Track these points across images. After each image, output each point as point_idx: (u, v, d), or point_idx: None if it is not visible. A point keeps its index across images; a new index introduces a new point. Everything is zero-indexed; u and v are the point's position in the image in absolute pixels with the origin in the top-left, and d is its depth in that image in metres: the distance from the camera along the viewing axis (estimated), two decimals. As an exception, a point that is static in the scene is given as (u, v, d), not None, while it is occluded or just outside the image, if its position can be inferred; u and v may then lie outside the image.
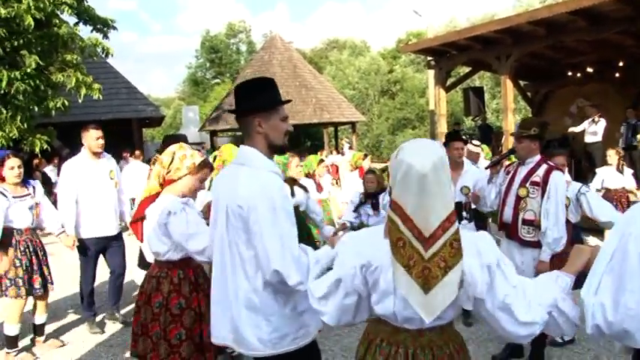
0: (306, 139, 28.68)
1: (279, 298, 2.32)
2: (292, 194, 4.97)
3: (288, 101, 2.59)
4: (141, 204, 3.45)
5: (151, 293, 3.10)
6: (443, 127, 13.34)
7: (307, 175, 6.36)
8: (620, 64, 13.14)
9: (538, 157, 4.06)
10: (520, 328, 1.75)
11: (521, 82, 15.78)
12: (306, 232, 5.13)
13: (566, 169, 5.23)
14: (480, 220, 5.73)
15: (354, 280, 1.88)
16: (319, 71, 28.78)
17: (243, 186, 2.28)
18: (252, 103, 2.38)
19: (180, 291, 3.08)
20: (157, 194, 3.28)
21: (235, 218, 2.30)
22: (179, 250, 3.04)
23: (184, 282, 3.11)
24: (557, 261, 3.66)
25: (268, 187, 2.26)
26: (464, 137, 5.59)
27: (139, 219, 3.51)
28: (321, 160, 7.33)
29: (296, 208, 3.77)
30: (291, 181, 5.15)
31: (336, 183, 11.22)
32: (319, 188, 6.84)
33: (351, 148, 18.84)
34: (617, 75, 13.62)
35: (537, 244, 3.95)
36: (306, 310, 2.32)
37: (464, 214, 4.67)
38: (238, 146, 2.58)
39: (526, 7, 27.30)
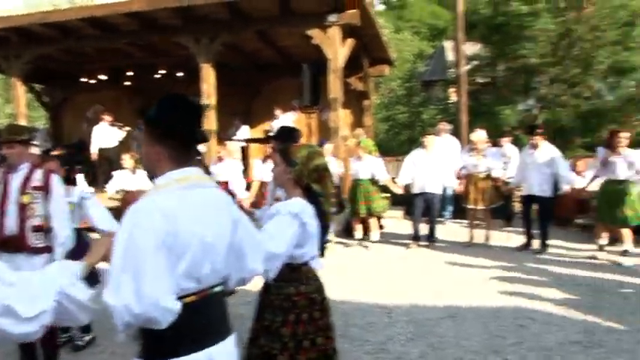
0: None
1: None
2: None
3: None
4: None
5: None
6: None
7: None
8: (131, 73, 14.21)
9: (29, 163, 3.97)
10: (27, 326, 1.65)
11: (37, 86, 15.26)
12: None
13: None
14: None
15: None
16: None
17: None
18: None
19: None
20: None
21: None
22: None
23: None
24: None
25: None
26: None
27: None
28: None
29: None
30: None
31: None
32: None
33: None
34: (127, 83, 14.65)
35: (48, 249, 3.93)
36: None
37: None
38: None
39: (37, 7, 26.30)
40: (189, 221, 1.77)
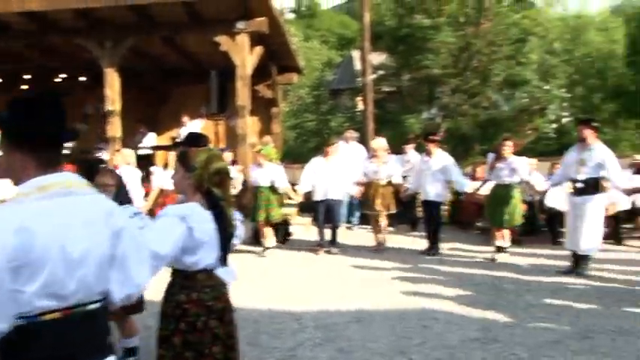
0: None
1: None
2: None
3: None
4: None
5: None
6: None
7: None
8: (28, 76, 13.45)
9: None
10: None
11: None
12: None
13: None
14: None
15: None
16: None
17: None
18: None
19: None
20: None
21: None
22: None
23: None
24: None
25: None
26: None
27: None
28: None
29: None
30: None
31: None
32: None
33: None
34: (25, 87, 13.83)
35: None
36: None
37: None
38: None
39: None
40: (48, 234, 1.59)
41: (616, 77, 23.09)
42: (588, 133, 6.74)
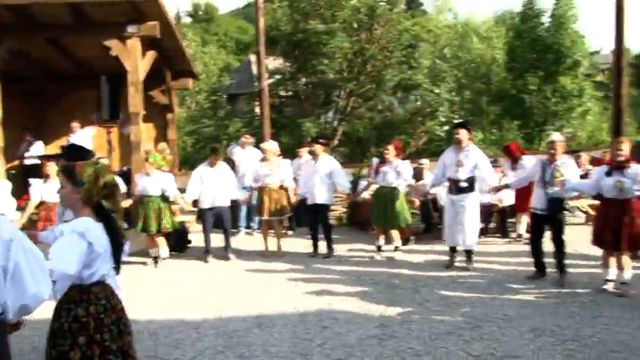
0: None
1: None
2: None
3: None
4: None
5: None
6: None
7: None
8: None
9: None
10: None
11: None
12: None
13: None
14: None
15: None
16: None
17: None
18: None
19: None
20: None
21: None
22: None
23: None
24: None
25: None
26: None
27: None
28: None
29: None
30: None
31: None
32: None
33: None
34: None
35: None
36: None
37: None
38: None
39: None
40: None
41: (499, 82, 24.68)
42: (464, 136, 7.15)
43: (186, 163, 18.75)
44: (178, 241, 8.91)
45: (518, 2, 25.20)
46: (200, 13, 52.32)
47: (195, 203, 8.68)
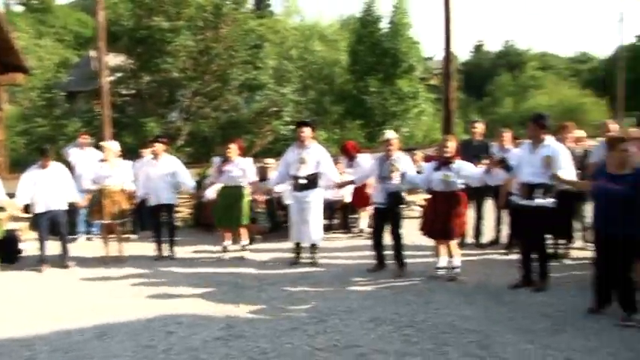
0: None
1: None
2: None
3: None
4: None
5: None
6: None
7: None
8: None
9: None
10: None
11: None
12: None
13: None
14: None
15: None
16: None
17: None
18: None
19: None
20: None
21: None
22: None
23: None
24: None
25: None
26: None
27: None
28: None
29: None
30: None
31: None
32: None
33: None
34: None
35: None
36: None
37: None
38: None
39: None
40: None
41: (342, 83, 25.74)
42: (307, 134, 7.34)
43: (18, 165, 17.12)
44: (7, 252, 8.11)
45: (361, 7, 26.50)
46: (34, 2, 47.71)
47: (27, 209, 7.94)
